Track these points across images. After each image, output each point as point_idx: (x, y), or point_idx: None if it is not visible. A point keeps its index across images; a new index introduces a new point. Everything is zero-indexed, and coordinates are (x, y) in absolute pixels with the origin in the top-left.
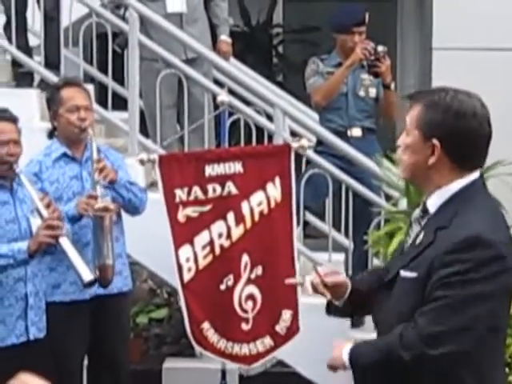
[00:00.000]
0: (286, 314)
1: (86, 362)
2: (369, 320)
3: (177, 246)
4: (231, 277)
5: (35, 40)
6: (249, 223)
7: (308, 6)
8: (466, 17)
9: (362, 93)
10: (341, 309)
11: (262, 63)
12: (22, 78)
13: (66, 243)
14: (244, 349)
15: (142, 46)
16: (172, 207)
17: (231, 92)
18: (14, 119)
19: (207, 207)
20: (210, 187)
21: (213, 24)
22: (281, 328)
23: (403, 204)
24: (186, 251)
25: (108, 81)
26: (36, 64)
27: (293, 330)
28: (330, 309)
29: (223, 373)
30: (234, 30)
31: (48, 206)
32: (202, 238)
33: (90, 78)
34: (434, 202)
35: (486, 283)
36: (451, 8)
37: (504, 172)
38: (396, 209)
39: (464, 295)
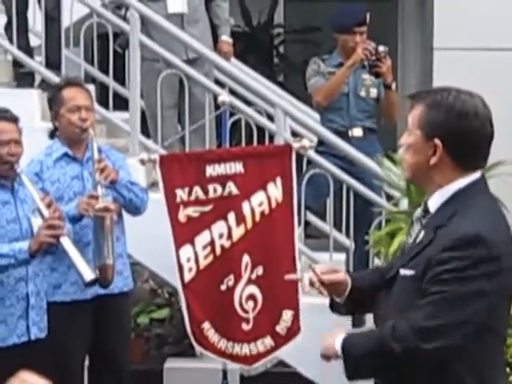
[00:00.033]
0: (287, 314)
1: (87, 362)
2: (370, 319)
3: (177, 246)
4: (232, 277)
5: (36, 40)
6: (249, 223)
7: (309, 6)
8: (466, 17)
9: (363, 93)
10: (343, 306)
11: (263, 63)
12: (22, 78)
13: (67, 243)
14: (244, 349)
15: (143, 46)
16: (173, 207)
17: (232, 92)
18: (14, 119)
19: (208, 207)
20: (210, 187)
21: (214, 24)
22: (281, 328)
23: (404, 204)
24: (186, 251)
25: (109, 81)
26: (37, 64)
27: (293, 330)
28: (333, 306)
29: (224, 373)
30: (235, 30)
31: (49, 205)
32: (202, 238)
33: (91, 79)
34: (434, 202)
35: (482, 281)
36: (452, 8)
37: (505, 172)
38: (397, 209)
39: (460, 292)
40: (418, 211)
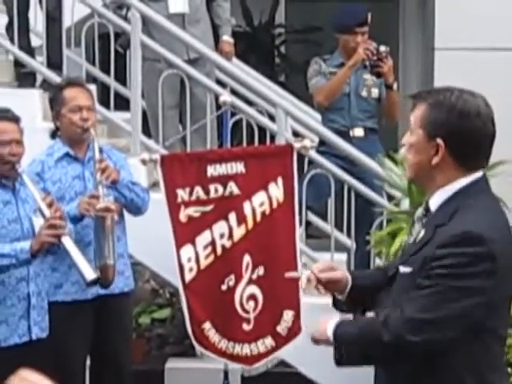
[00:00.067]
0: (288, 315)
1: (88, 362)
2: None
3: (178, 246)
4: (233, 277)
5: (37, 40)
6: (250, 223)
7: (310, 6)
8: (468, 17)
9: (364, 93)
10: (344, 303)
11: (264, 63)
12: (24, 78)
13: (68, 242)
14: (245, 349)
15: (144, 46)
16: (174, 207)
17: (233, 92)
18: (16, 119)
19: (209, 207)
20: (211, 187)
21: (215, 24)
22: (282, 328)
23: (405, 204)
24: (187, 251)
25: (110, 81)
26: (38, 64)
27: (294, 330)
28: (336, 303)
29: (225, 373)
30: (237, 30)
31: (50, 205)
32: (203, 238)
33: (92, 79)
34: (435, 201)
35: (477, 278)
36: (453, 8)
37: (506, 172)
38: (398, 209)
39: (454, 287)
40: (420, 211)
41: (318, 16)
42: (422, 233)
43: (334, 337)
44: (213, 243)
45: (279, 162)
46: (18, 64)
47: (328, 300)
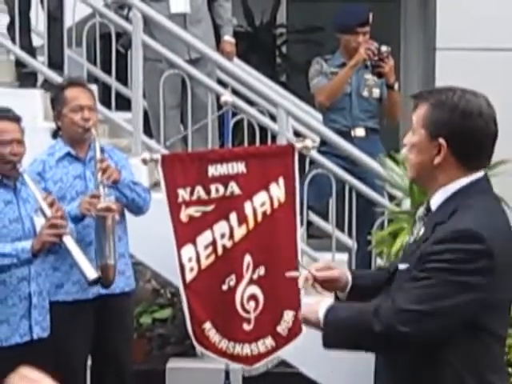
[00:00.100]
0: (288, 315)
1: (89, 362)
2: None
3: (179, 246)
4: (233, 277)
5: (39, 40)
6: (251, 223)
7: (312, 6)
8: (469, 17)
9: (365, 93)
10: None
11: (266, 63)
12: (25, 78)
13: (69, 242)
14: (245, 349)
15: (145, 46)
16: (174, 207)
17: (235, 92)
18: (17, 119)
19: (210, 207)
20: (212, 187)
21: (216, 24)
22: (282, 329)
23: (407, 204)
24: (188, 251)
25: (111, 81)
26: (39, 64)
27: (295, 330)
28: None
29: (227, 373)
30: (238, 30)
31: (51, 205)
32: (204, 238)
33: (93, 79)
34: (436, 200)
35: (472, 275)
36: (455, 8)
37: (507, 171)
38: (399, 209)
39: (449, 282)
40: (421, 210)
41: (319, 16)
42: (422, 231)
43: (324, 320)
44: (214, 243)
45: (280, 162)
46: (19, 64)
47: (329, 301)
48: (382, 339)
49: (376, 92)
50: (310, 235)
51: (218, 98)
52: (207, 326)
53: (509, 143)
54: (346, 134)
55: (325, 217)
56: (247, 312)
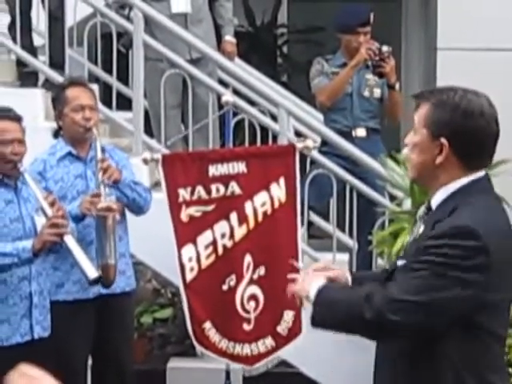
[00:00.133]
0: (288, 315)
1: (90, 361)
2: None
3: (179, 246)
4: (233, 277)
5: (40, 40)
6: (252, 223)
7: (313, 6)
8: (470, 17)
9: (366, 93)
10: None
11: (267, 63)
12: (26, 77)
13: (70, 241)
14: (245, 349)
15: (146, 45)
16: (175, 206)
17: (236, 92)
18: (18, 118)
19: (210, 207)
20: (213, 187)
21: (217, 24)
22: (282, 329)
23: (407, 204)
24: (188, 251)
25: (112, 81)
26: (41, 64)
27: (295, 330)
28: None
29: (227, 373)
30: (239, 30)
31: (52, 204)
32: (204, 238)
33: (94, 78)
34: (437, 199)
35: (468, 272)
36: (456, 8)
37: (507, 171)
38: (400, 209)
39: (444, 276)
40: (422, 209)
41: (320, 16)
42: (422, 229)
43: (315, 300)
44: (214, 243)
45: (281, 162)
46: (20, 63)
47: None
48: (372, 326)
49: (377, 92)
50: (310, 235)
51: (218, 97)
52: (207, 325)
53: (509, 143)
54: (346, 134)
55: (325, 217)
56: (247, 312)
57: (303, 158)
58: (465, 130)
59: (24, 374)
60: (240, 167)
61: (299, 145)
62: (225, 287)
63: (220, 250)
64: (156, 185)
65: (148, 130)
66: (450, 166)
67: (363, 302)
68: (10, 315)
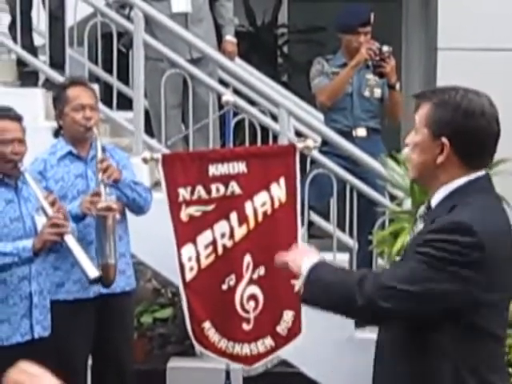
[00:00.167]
0: (288, 315)
1: (90, 361)
2: None
3: (179, 245)
4: (233, 277)
5: (40, 39)
6: (252, 223)
7: (313, 6)
8: (470, 17)
9: (367, 93)
10: None
11: (267, 63)
12: (26, 77)
13: (71, 241)
14: (245, 349)
15: (146, 45)
16: (175, 206)
17: (236, 92)
18: (18, 118)
19: (210, 207)
20: (213, 187)
21: (218, 24)
22: (282, 329)
23: (407, 204)
24: (188, 250)
25: (113, 80)
26: (41, 63)
27: (294, 330)
28: None
29: (227, 373)
30: (239, 30)
31: (53, 204)
32: (204, 238)
33: (94, 78)
34: (436, 198)
35: (463, 268)
36: (456, 8)
37: (507, 170)
38: (400, 209)
39: (438, 269)
40: (422, 209)
41: (320, 16)
42: (421, 227)
43: (306, 278)
44: (214, 243)
45: (282, 162)
46: (20, 63)
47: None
48: (363, 312)
49: (377, 92)
50: (310, 235)
51: (219, 97)
52: (207, 325)
53: (510, 143)
54: (347, 134)
55: (326, 217)
56: (247, 312)
57: (303, 157)
58: (466, 130)
59: (24, 372)
60: (240, 167)
61: (299, 145)
62: (224, 287)
63: (220, 250)
64: (156, 185)
65: (148, 130)
66: (450, 165)
67: (356, 287)
68: (10, 315)
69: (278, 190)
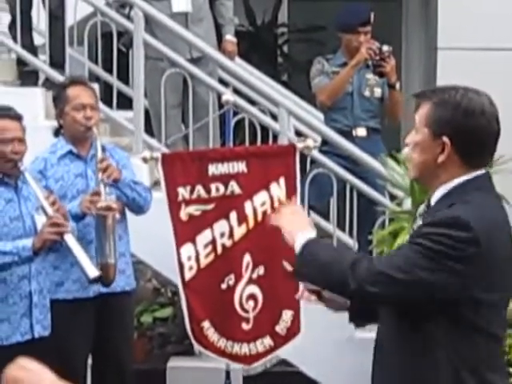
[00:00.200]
0: (287, 315)
1: (90, 361)
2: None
3: (178, 244)
4: (232, 276)
5: (40, 39)
6: (251, 223)
7: (313, 5)
8: (470, 17)
9: (367, 92)
10: (356, 318)
11: (267, 63)
12: (26, 76)
13: (70, 240)
14: (244, 348)
15: (146, 45)
16: (174, 205)
17: (236, 91)
18: (18, 117)
19: (210, 206)
20: (213, 186)
21: (218, 23)
22: (281, 328)
23: (407, 204)
24: (187, 249)
25: (113, 80)
26: (41, 63)
27: (293, 330)
28: (353, 319)
29: (227, 372)
30: (239, 29)
31: (53, 203)
32: (204, 237)
33: (94, 77)
34: (436, 197)
35: (457, 263)
36: (456, 8)
37: (507, 169)
38: (400, 208)
39: (432, 260)
40: (422, 207)
41: (320, 15)
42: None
43: (299, 253)
44: (213, 242)
45: (281, 162)
46: (20, 62)
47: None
48: (354, 295)
49: (377, 91)
50: None
51: (219, 97)
52: (206, 324)
53: (510, 142)
54: (347, 134)
55: (326, 216)
56: (246, 311)
57: (303, 157)
58: (466, 129)
59: (23, 368)
60: (240, 167)
61: (300, 145)
62: (224, 286)
63: (219, 250)
64: (156, 184)
65: (148, 130)
66: (451, 164)
67: (349, 271)
68: (10, 314)
69: (278, 190)
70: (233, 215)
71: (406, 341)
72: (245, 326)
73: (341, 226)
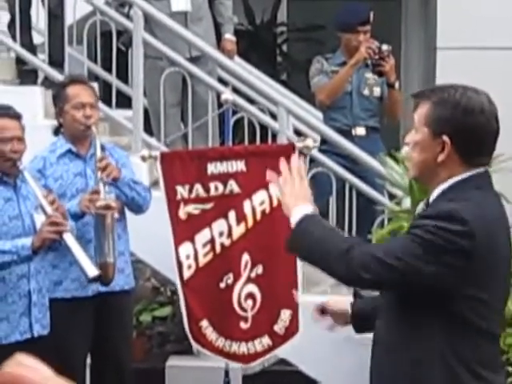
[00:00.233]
0: (285, 314)
1: (89, 360)
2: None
3: (177, 243)
4: (231, 275)
5: (39, 38)
6: (250, 222)
7: (312, 4)
8: (470, 16)
9: (366, 92)
10: (359, 327)
11: (266, 62)
12: (26, 75)
13: (70, 239)
14: (242, 347)
15: (146, 44)
16: (173, 204)
17: (235, 90)
18: (17, 116)
19: (209, 205)
20: (212, 185)
21: (217, 22)
22: (279, 328)
23: (407, 203)
24: (186, 248)
25: (112, 79)
26: (40, 62)
27: (292, 329)
28: (356, 328)
29: (226, 371)
30: (239, 28)
31: (52, 202)
32: (202, 236)
33: (94, 76)
34: (434, 195)
35: (452, 256)
36: (455, 8)
37: (507, 168)
38: (399, 208)
39: (427, 250)
40: (421, 206)
41: (320, 14)
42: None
43: (295, 227)
44: (212, 241)
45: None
46: (19, 61)
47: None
48: (345, 279)
49: (377, 91)
50: None
51: (218, 96)
52: (204, 323)
53: (509, 140)
54: (346, 133)
55: (325, 215)
56: (244, 310)
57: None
58: (465, 128)
59: (21, 364)
60: (239, 166)
61: (299, 144)
62: (222, 285)
63: (218, 249)
64: (155, 183)
65: (148, 129)
66: (451, 163)
67: (344, 255)
68: (9, 313)
69: (277, 190)
70: (232, 214)
71: (400, 336)
72: (243, 325)
73: (340, 225)
